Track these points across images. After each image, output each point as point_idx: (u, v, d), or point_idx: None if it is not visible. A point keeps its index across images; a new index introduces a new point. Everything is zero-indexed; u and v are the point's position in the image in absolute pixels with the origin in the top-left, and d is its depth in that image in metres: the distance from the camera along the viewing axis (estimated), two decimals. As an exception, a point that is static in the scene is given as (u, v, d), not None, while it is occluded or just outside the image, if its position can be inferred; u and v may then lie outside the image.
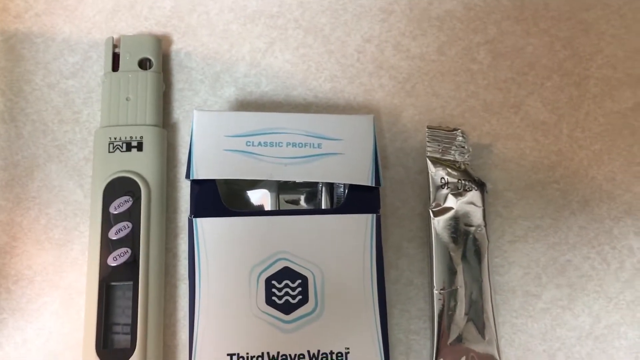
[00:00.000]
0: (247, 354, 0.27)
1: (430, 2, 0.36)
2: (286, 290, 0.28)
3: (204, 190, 0.28)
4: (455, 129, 0.33)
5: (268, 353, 0.27)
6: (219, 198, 0.28)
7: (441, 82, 0.35)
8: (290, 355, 0.27)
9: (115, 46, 0.33)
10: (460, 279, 0.30)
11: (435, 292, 0.30)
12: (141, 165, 0.31)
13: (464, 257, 0.31)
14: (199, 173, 0.28)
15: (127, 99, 0.32)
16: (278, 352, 0.27)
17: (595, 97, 0.35)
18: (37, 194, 0.32)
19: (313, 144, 0.29)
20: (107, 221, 0.30)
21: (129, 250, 0.29)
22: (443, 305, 0.30)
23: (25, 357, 0.30)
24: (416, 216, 0.33)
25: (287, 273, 0.28)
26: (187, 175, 0.28)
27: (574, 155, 0.34)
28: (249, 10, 0.35)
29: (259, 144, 0.29)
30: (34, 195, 0.32)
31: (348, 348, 0.27)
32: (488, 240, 0.31)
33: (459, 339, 0.30)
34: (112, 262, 0.29)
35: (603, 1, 0.36)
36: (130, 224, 0.30)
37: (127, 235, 0.30)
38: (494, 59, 0.35)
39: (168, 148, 0.33)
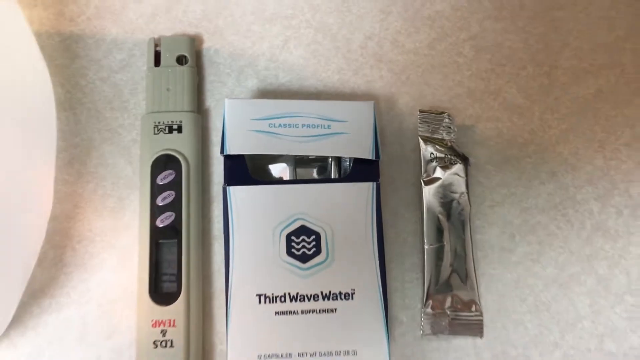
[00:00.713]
0: (272, 294, 0.31)
1: (423, 3, 0.40)
2: (303, 244, 0.32)
3: (235, 163, 0.33)
4: (443, 113, 0.37)
5: (289, 293, 0.31)
6: (247, 170, 0.33)
7: (432, 73, 0.39)
8: (306, 295, 0.31)
9: (156, 45, 0.37)
10: (446, 237, 0.35)
11: (426, 247, 0.35)
12: (181, 145, 0.35)
13: (449, 218, 0.35)
14: (231, 149, 0.33)
15: (167, 90, 0.36)
16: (297, 293, 0.31)
17: (563, 85, 0.39)
18: (94, 170, 0.37)
19: (323, 125, 0.33)
20: (155, 190, 0.34)
21: (173, 214, 0.34)
22: (432, 258, 0.35)
23: (88, 303, 0.35)
24: (410, 186, 0.37)
25: (303, 230, 0.32)
26: (222, 151, 0.33)
27: (544, 134, 0.38)
28: (267, 13, 0.39)
29: (279, 125, 0.33)
30: (91, 171, 0.37)
31: (354, 289, 0.32)
32: (470, 205, 0.35)
33: (445, 286, 0.35)
34: (159, 223, 0.34)
35: (571, 1, 0.40)
36: (173, 193, 0.34)
37: (171, 202, 0.34)
38: (476, 53, 0.39)
39: (202, 130, 0.37)
